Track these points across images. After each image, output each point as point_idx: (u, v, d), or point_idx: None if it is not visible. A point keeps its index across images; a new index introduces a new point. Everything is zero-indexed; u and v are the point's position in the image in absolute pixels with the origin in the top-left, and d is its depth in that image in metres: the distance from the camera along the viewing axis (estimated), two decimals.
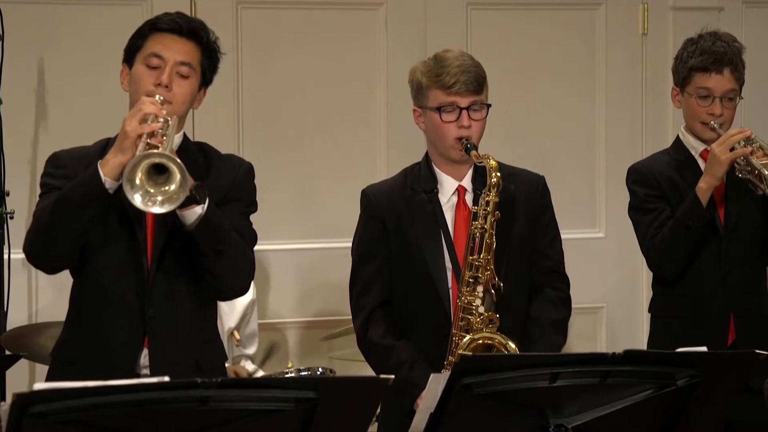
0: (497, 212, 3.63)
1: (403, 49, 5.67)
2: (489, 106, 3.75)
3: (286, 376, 4.77)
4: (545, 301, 3.78)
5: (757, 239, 4.11)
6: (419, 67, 3.82)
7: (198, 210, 3.31)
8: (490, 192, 3.63)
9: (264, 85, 5.59)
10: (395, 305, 3.80)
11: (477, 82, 3.70)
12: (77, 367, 3.39)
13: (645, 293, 5.71)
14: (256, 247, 5.60)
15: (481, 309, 3.62)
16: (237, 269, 3.47)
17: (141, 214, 3.40)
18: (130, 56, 3.52)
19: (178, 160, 3.19)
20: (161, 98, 3.39)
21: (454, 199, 3.77)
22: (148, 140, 3.25)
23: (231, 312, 5.16)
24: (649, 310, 4.33)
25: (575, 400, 2.86)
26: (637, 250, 4.25)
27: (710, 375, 2.90)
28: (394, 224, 3.77)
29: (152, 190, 3.18)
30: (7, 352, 4.64)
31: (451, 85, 3.68)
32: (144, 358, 3.45)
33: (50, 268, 3.49)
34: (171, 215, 3.33)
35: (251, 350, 5.24)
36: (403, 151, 5.63)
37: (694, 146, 4.16)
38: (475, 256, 3.63)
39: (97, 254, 3.44)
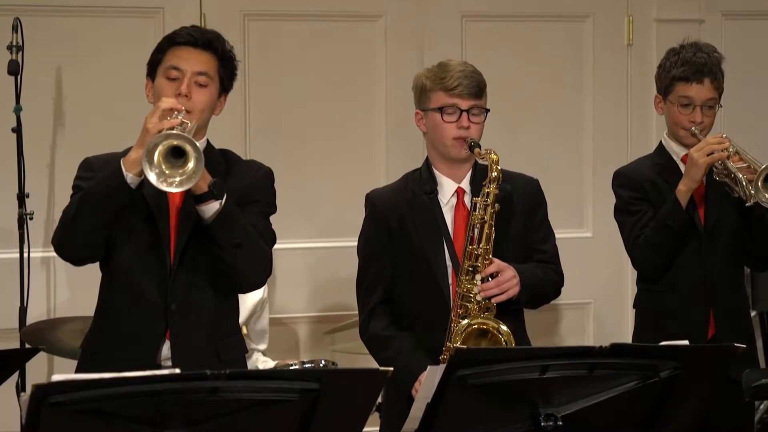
0: (496, 204, 3.65)
1: (401, 59, 5.67)
2: (488, 111, 3.77)
3: (291, 368, 4.77)
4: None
5: (735, 240, 4.11)
6: (423, 73, 3.84)
7: (216, 205, 3.33)
8: (491, 184, 3.64)
9: (270, 92, 5.59)
10: (398, 302, 3.81)
11: (478, 87, 3.73)
12: (103, 358, 3.40)
13: (630, 290, 5.71)
14: None
15: (479, 297, 3.62)
16: (254, 262, 3.48)
17: (165, 211, 3.43)
18: (152, 70, 3.55)
19: (195, 143, 3.20)
20: (174, 100, 3.40)
21: (454, 200, 3.78)
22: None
23: (241, 309, 5.15)
24: (634, 306, 4.33)
25: (564, 390, 2.86)
26: (622, 249, 4.25)
27: (692, 367, 2.90)
28: (397, 226, 3.79)
29: (169, 172, 3.19)
30: (27, 346, 4.63)
31: (453, 87, 3.70)
32: (166, 349, 3.45)
33: (76, 260, 3.49)
34: (194, 213, 3.35)
35: (262, 346, 5.24)
36: (401, 155, 5.64)
37: (676, 151, 4.17)
38: (474, 246, 3.64)
39: (121, 249, 3.45)
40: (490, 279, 3.63)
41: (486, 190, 3.65)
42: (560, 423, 2.85)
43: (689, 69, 4.09)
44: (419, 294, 3.76)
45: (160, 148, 3.17)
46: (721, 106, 4.19)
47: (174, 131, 3.24)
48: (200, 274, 3.47)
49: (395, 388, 3.71)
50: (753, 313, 5.52)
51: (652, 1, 5.93)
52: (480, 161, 3.71)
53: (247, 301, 5.17)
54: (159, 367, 3.39)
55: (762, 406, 5.60)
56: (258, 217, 3.54)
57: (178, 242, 3.44)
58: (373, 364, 4.91)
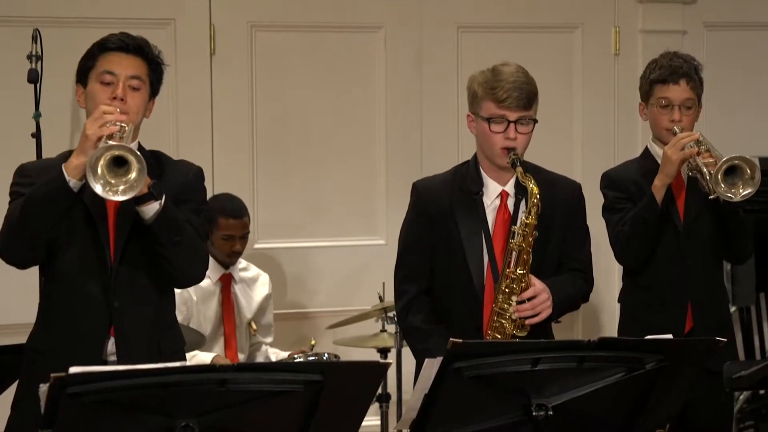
0: (535, 232, 3.56)
1: (400, 67, 5.68)
2: (536, 121, 3.67)
3: (295, 361, 4.77)
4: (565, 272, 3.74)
5: (713, 235, 4.11)
6: (477, 77, 3.69)
7: (156, 205, 3.26)
8: (530, 216, 3.56)
9: (276, 99, 5.59)
10: (434, 292, 3.73)
11: (528, 99, 3.62)
12: (48, 357, 3.33)
13: (617, 287, 5.68)
14: (268, 245, 5.63)
15: (515, 315, 3.56)
16: (193, 258, 3.42)
17: (103, 212, 3.37)
18: (82, 77, 3.48)
19: (137, 152, 3.15)
20: (118, 110, 3.33)
21: (497, 202, 3.68)
22: (108, 141, 3.21)
23: (249, 305, 5.15)
24: (619, 300, 4.33)
25: (555, 382, 2.86)
26: (609, 249, 4.24)
27: (675, 359, 2.90)
28: (440, 218, 3.69)
29: (113, 181, 3.14)
30: None
31: (503, 99, 3.59)
32: (111, 345, 3.38)
33: (20, 263, 3.40)
34: (131, 213, 3.29)
35: (269, 339, 5.24)
36: (400, 158, 5.65)
37: (660, 155, 4.17)
38: (512, 269, 3.56)
39: (63, 251, 3.38)
40: (526, 300, 3.56)
41: (525, 221, 3.56)
42: (551, 413, 2.85)
43: (666, 71, 4.12)
44: (454, 289, 3.68)
45: (102, 160, 3.12)
46: (701, 106, 4.20)
47: (114, 142, 3.19)
48: (141, 271, 3.40)
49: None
50: (733, 309, 5.52)
51: (637, 13, 5.94)
52: (521, 182, 3.60)
53: (254, 299, 5.17)
54: (105, 363, 3.33)
55: (741, 397, 5.60)
56: (192, 215, 3.46)
57: (118, 242, 3.38)
58: (374, 356, 4.94)
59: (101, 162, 3.12)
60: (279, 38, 5.58)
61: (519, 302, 3.56)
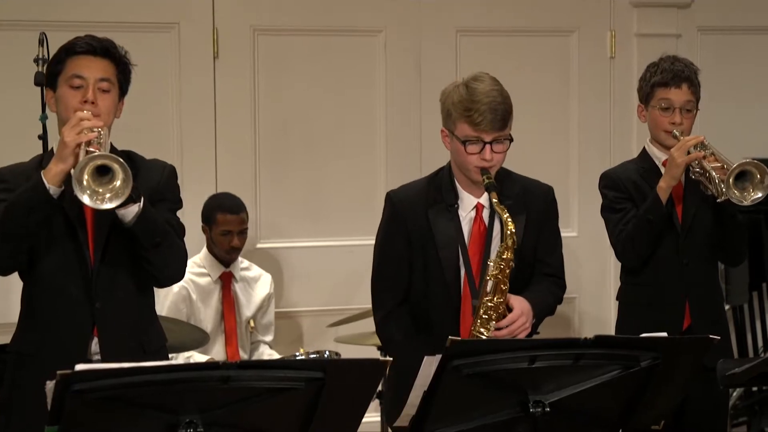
0: (512, 263, 3.50)
1: (400, 70, 5.68)
2: (512, 140, 3.59)
3: (297, 358, 4.77)
4: (541, 279, 3.71)
5: (710, 236, 4.12)
6: (452, 95, 3.60)
7: (135, 208, 3.25)
8: (506, 252, 3.49)
9: (278, 101, 5.59)
10: (411, 302, 3.68)
11: (503, 119, 3.54)
12: (35, 358, 3.32)
13: (612, 285, 5.71)
14: (271, 245, 5.63)
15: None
16: (173, 258, 3.41)
17: (81, 217, 3.34)
18: (52, 81, 3.44)
19: (120, 159, 3.14)
20: (89, 113, 3.32)
21: (473, 214, 3.62)
22: (87, 148, 3.19)
23: (249, 304, 5.16)
24: (617, 298, 4.34)
25: (552, 379, 2.86)
26: (605, 248, 4.25)
27: (670, 357, 2.90)
28: (416, 231, 3.62)
29: (99, 190, 3.13)
30: None
31: (478, 122, 3.50)
32: (95, 345, 3.36)
33: (2, 270, 3.38)
34: (109, 215, 3.27)
35: (269, 338, 5.24)
36: (400, 160, 5.65)
37: (658, 156, 4.18)
38: (490, 297, 3.50)
39: (44, 256, 3.35)
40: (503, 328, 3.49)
41: (502, 256, 3.49)
42: (548, 409, 2.85)
43: (668, 75, 4.12)
44: (432, 301, 3.63)
45: (86, 170, 3.11)
46: (699, 110, 4.21)
47: (93, 148, 3.17)
48: (121, 271, 3.38)
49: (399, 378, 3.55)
50: (726, 307, 5.52)
51: (632, 17, 5.94)
52: (495, 208, 3.51)
53: (255, 297, 5.17)
54: (90, 361, 3.30)
55: (734, 394, 5.60)
56: (168, 214, 3.45)
57: (97, 244, 3.35)
58: (374, 354, 4.93)
59: (86, 172, 3.11)
60: (281, 42, 5.59)
61: (497, 328, 3.50)
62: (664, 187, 4.02)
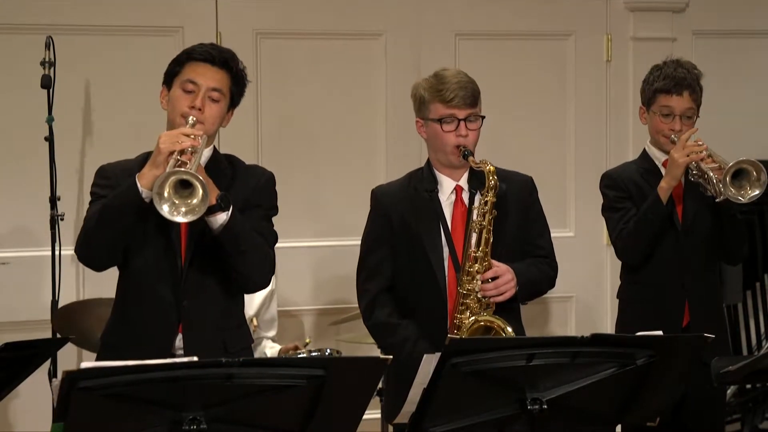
0: (494, 210, 3.62)
1: (400, 73, 5.67)
2: (483, 117, 3.73)
3: (299, 356, 4.76)
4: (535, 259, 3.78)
5: (710, 236, 4.13)
6: (421, 84, 3.77)
7: (223, 216, 3.32)
8: (488, 193, 3.61)
9: (280, 103, 5.59)
10: (398, 291, 3.76)
11: (473, 96, 3.68)
12: (122, 349, 3.39)
13: (608, 284, 5.71)
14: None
15: (480, 295, 3.60)
16: (258, 267, 3.47)
17: None
18: (168, 80, 3.51)
19: (201, 177, 3.19)
20: (194, 119, 3.40)
21: (453, 197, 3.74)
22: (179, 156, 3.26)
23: (251, 301, 5.15)
24: (617, 296, 4.34)
25: (549, 376, 2.86)
26: (601, 248, 4.25)
27: (665, 355, 2.90)
28: (399, 219, 3.74)
29: (178, 201, 3.19)
30: (58, 336, 4.63)
31: (450, 99, 3.65)
32: (179, 341, 3.45)
33: (98, 267, 3.49)
34: (202, 220, 3.32)
35: (271, 333, 5.23)
36: (400, 161, 5.64)
37: (658, 157, 4.20)
38: (474, 249, 3.61)
39: (137, 254, 3.45)
40: (489, 280, 3.60)
41: (485, 199, 3.62)
42: (545, 406, 2.85)
43: (670, 82, 4.13)
44: (418, 284, 3.71)
45: (168, 183, 3.17)
46: (699, 116, 4.21)
47: (185, 158, 3.23)
48: (209, 275, 3.46)
49: (399, 374, 3.64)
50: None
51: (628, 21, 5.93)
52: (475, 168, 3.66)
53: (256, 294, 5.16)
54: (173, 356, 3.39)
55: (729, 391, 5.60)
56: (261, 221, 3.51)
57: (188, 247, 3.44)
58: (375, 352, 4.93)
59: (168, 184, 3.17)
60: (283, 45, 5.59)
61: (483, 281, 3.59)
62: (664, 187, 4.04)
